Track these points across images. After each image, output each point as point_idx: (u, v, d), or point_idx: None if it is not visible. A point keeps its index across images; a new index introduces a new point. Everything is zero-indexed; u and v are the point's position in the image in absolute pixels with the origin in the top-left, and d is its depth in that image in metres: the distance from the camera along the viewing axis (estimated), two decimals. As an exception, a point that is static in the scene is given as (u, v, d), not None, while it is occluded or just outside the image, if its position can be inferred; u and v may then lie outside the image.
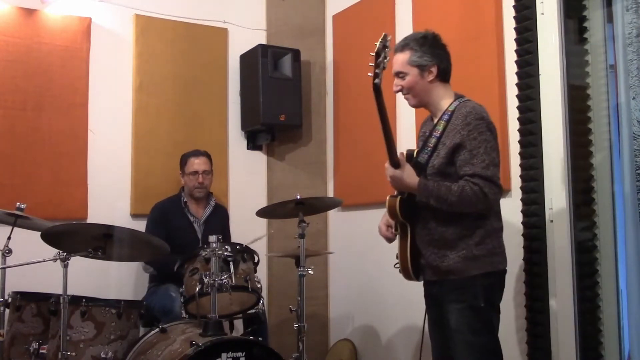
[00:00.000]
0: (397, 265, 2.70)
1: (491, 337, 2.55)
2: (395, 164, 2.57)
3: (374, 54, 2.48)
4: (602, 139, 2.96)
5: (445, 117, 2.59)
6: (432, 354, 2.75)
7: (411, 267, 2.63)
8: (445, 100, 2.64)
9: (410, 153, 2.69)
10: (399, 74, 2.65)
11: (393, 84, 2.69)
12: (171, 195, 4.03)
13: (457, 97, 2.65)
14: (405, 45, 2.64)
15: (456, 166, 2.52)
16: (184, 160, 3.99)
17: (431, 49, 2.61)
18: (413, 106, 2.73)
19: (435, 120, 2.65)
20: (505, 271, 2.62)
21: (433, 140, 2.60)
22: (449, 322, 2.55)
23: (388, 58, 2.52)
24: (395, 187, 2.61)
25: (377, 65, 2.48)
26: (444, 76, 2.64)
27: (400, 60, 2.64)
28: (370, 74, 2.50)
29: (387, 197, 2.64)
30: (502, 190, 2.54)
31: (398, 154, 2.60)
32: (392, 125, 3.93)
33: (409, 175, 2.55)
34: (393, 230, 2.72)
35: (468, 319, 2.51)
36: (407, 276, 2.67)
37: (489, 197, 2.45)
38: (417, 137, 2.87)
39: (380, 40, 2.48)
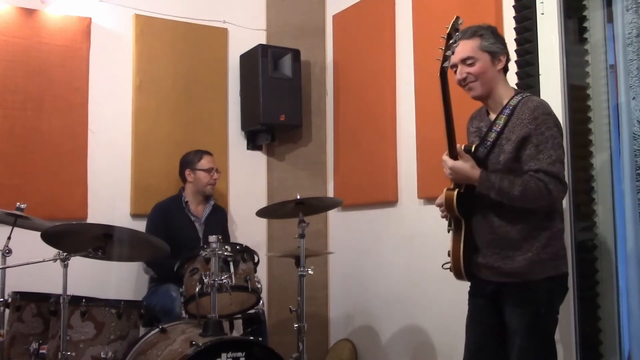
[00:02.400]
0: (447, 265, 2.60)
1: (547, 342, 2.50)
2: (454, 156, 2.49)
3: (444, 36, 2.38)
4: (602, 139, 2.96)
5: (507, 111, 2.52)
6: (465, 350, 2.66)
7: (464, 266, 2.54)
8: (506, 94, 2.57)
9: (467, 149, 2.59)
10: (467, 60, 2.54)
11: (457, 72, 2.59)
12: (171, 195, 4.03)
13: (517, 92, 2.60)
14: (474, 32, 2.56)
15: (521, 161, 2.46)
16: (197, 157, 3.99)
17: (500, 39, 2.58)
18: (476, 96, 2.61)
19: (494, 115, 2.58)
20: (567, 274, 2.56)
21: (493, 135, 2.53)
22: (506, 324, 2.49)
23: (458, 43, 2.43)
24: (454, 178, 2.52)
25: (447, 48, 2.39)
26: (506, 69, 2.61)
27: (470, 46, 2.54)
28: (438, 59, 2.40)
29: (444, 190, 2.57)
30: (566, 188, 2.47)
31: (457, 146, 2.51)
32: (393, 127, 4.00)
33: (472, 166, 2.47)
34: (447, 226, 2.65)
35: (527, 323, 2.44)
36: (459, 276, 2.57)
37: (553, 194, 2.39)
38: (467, 132, 2.77)
39: (451, 23, 2.38)
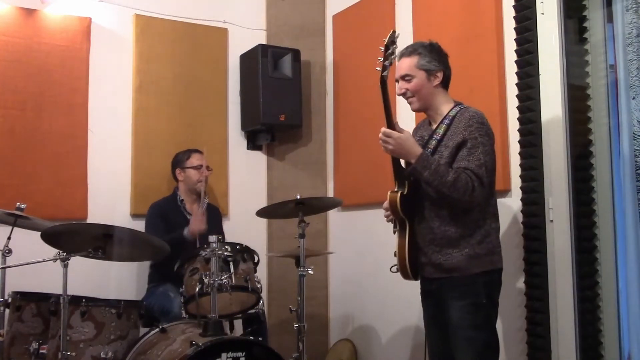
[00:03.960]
0: (394, 269, 2.73)
1: (491, 332, 2.66)
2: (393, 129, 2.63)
3: (382, 48, 2.55)
4: (602, 139, 2.96)
5: (446, 121, 2.69)
6: (428, 349, 2.81)
7: (409, 265, 2.67)
8: (445, 106, 2.74)
9: None
10: (405, 77, 2.73)
11: (397, 87, 2.76)
12: (165, 196, 4.03)
13: (457, 103, 2.75)
14: (413, 50, 2.73)
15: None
16: (186, 156, 4.00)
17: (438, 56, 2.72)
18: (415, 110, 2.81)
19: (435, 125, 2.74)
20: (502, 269, 2.71)
21: (433, 143, 2.70)
22: (450, 318, 2.63)
23: (395, 55, 2.59)
24: (395, 149, 2.61)
25: (385, 58, 2.56)
26: (446, 83, 2.75)
27: (407, 64, 2.72)
28: (378, 68, 2.57)
29: (389, 192, 2.69)
30: (484, 193, 2.60)
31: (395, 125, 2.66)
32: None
33: (413, 142, 2.61)
34: (392, 228, 2.77)
35: (470, 315, 2.59)
36: (405, 275, 2.71)
37: (475, 193, 2.54)
38: None
39: (388, 36, 2.55)
